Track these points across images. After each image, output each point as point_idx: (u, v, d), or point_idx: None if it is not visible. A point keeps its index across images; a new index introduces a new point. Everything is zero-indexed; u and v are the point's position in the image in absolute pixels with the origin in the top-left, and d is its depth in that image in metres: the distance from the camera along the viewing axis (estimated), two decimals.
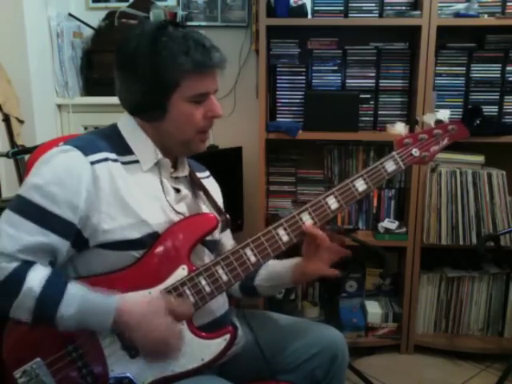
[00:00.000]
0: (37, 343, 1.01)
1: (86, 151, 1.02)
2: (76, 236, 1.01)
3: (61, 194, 0.99)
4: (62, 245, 1.00)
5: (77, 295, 0.97)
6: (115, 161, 1.05)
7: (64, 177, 1.00)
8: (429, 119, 1.19)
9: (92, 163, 1.01)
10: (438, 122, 1.19)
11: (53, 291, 0.97)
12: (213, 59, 1.05)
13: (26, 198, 0.99)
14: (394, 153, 1.17)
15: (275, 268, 1.24)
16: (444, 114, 1.20)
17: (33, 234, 0.97)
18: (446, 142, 1.19)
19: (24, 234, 0.97)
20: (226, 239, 1.29)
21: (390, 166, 1.16)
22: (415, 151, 1.17)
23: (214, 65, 1.06)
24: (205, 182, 1.25)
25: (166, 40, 1.02)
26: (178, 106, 1.06)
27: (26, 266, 0.97)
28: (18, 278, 0.96)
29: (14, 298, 0.95)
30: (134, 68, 1.04)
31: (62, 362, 1.01)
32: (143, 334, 0.99)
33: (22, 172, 1.99)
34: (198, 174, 1.25)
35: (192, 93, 1.05)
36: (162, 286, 1.04)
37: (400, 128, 1.19)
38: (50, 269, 1.00)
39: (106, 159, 1.03)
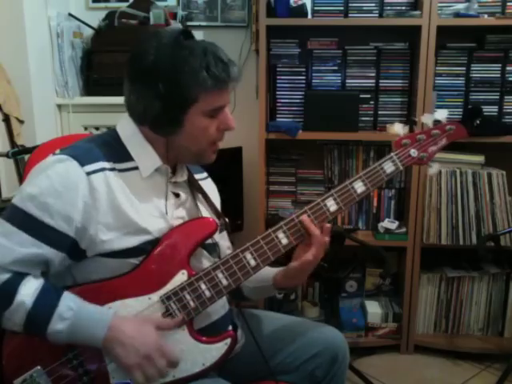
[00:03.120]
0: (37, 351, 1.00)
1: (83, 161, 1.01)
2: (72, 248, 1.00)
3: (56, 206, 0.97)
4: (56, 256, 0.99)
5: (69, 309, 0.96)
6: (112, 170, 1.04)
7: (60, 188, 0.98)
8: (427, 120, 1.18)
9: (88, 174, 1.00)
10: (437, 122, 1.18)
11: (45, 304, 0.96)
12: (231, 75, 1.04)
13: (21, 208, 0.98)
14: (392, 154, 1.16)
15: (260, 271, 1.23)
16: (442, 114, 1.18)
17: (26, 246, 0.96)
18: (444, 142, 1.19)
19: (17, 245, 0.96)
20: (223, 241, 1.27)
21: (389, 168, 1.15)
22: (413, 152, 1.17)
23: (232, 80, 1.05)
24: (203, 184, 1.24)
25: (186, 54, 1.00)
26: (193, 120, 1.05)
27: (18, 277, 0.97)
28: (9, 290, 0.95)
29: (6, 310, 0.95)
30: (153, 83, 1.00)
31: (62, 369, 1.00)
32: (132, 350, 0.97)
33: (21, 172, 1.98)
34: (196, 176, 1.24)
35: (209, 107, 1.05)
36: (161, 292, 1.04)
37: (398, 128, 1.18)
38: (42, 280, 0.99)
39: (103, 169, 1.02)
